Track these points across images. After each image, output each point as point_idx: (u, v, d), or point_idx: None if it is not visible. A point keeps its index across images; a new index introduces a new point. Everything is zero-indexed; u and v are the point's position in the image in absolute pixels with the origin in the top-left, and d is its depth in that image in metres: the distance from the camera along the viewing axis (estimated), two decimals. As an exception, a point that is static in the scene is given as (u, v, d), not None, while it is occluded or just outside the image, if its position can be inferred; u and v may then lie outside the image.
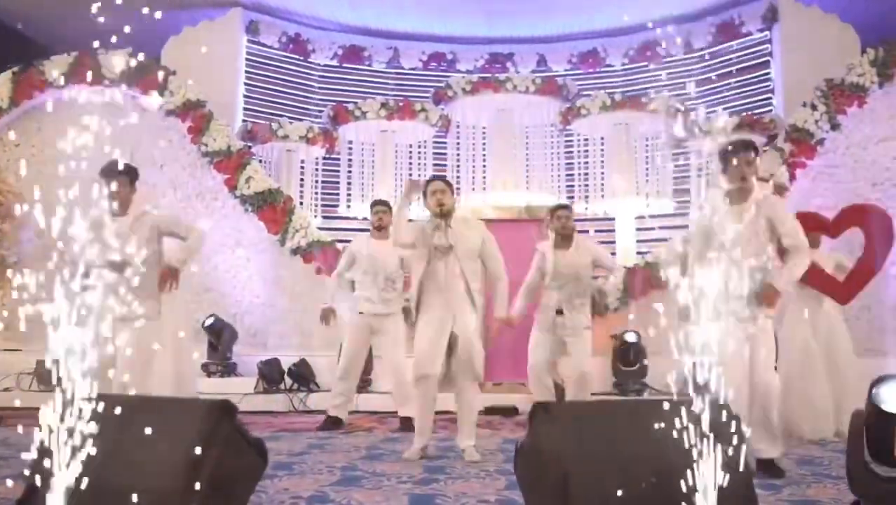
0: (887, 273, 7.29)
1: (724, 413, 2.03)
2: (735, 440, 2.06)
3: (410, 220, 4.46)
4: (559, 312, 5.05)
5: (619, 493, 2.32)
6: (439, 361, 4.15)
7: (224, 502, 2.65)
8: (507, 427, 5.72)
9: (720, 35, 9.01)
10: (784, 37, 8.45)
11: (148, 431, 2.46)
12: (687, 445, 2.00)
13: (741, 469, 2.09)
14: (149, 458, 2.49)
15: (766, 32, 8.77)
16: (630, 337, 6.77)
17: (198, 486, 2.46)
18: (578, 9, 9.33)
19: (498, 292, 4.38)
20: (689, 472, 1.98)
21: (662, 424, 2.17)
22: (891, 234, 4.99)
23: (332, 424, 5.48)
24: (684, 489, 2.00)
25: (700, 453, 1.98)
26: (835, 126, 7.37)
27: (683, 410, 2.03)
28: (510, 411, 6.44)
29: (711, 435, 1.98)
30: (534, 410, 2.75)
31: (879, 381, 2.46)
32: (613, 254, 8.51)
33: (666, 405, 2.33)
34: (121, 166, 4.04)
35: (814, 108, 7.38)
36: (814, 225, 4.96)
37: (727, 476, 1.98)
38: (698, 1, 8.92)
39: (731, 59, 8.94)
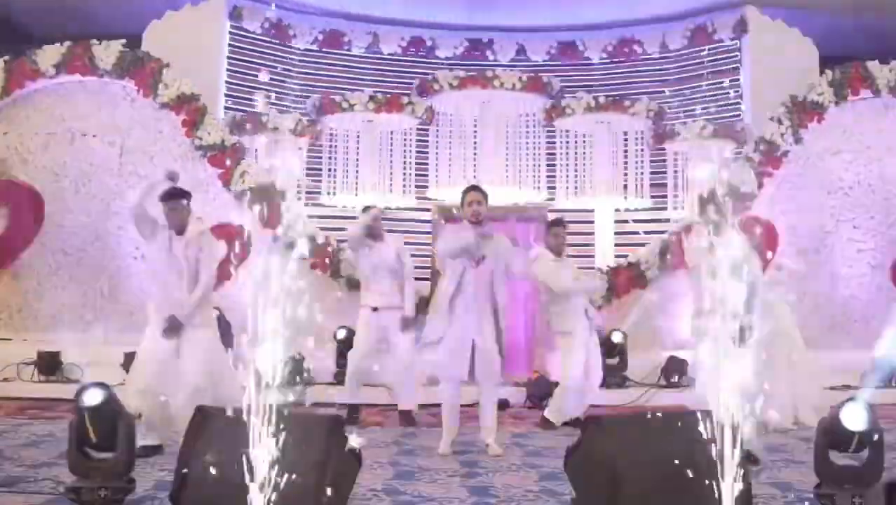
0: (835, 274, 8.07)
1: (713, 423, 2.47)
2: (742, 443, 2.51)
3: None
4: (586, 312, 5.56)
5: (656, 489, 2.85)
6: (465, 367, 4.56)
7: (338, 498, 3.09)
8: (506, 422, 6.04)
9: (694, 39, 9.49)
10: (752, 48, 8.99)
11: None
12: (708, 451, 2.46)
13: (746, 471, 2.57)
14: (288, 460, 2.87)
15: (737, 41, 9.29)
16: (616, 337, 7.32)
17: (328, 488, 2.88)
18: (558, 1, 9.58)
19: None
20: (709, 473, 2.44)
21: (691, 433, 2.64)
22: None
23: (350, 414, 5.66)
24: (706, 489, 2.47)
25: (716, 459, 2.43)
26: (798, 140, 8.03)
27: (706, 421, 2.50)
28: (501, 405, 6.88)
29: (728, 441, 2.44)
30: (586, 423, 3.29)
31: (843, 403, 3.19)
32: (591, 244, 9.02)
33: (694, 417, 2.79)
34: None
35: (780, 122, 8.01)
36: None
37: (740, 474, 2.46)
38: (675, 4, 9.33)
39: (703, 62, 9.44)
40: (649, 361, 7.33)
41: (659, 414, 3.08)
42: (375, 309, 5.71)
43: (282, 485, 2.43)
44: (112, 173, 7.83)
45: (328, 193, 9.31)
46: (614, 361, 7.35)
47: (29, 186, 5.79)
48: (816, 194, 8.06)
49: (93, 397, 3.06)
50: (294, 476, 2.69)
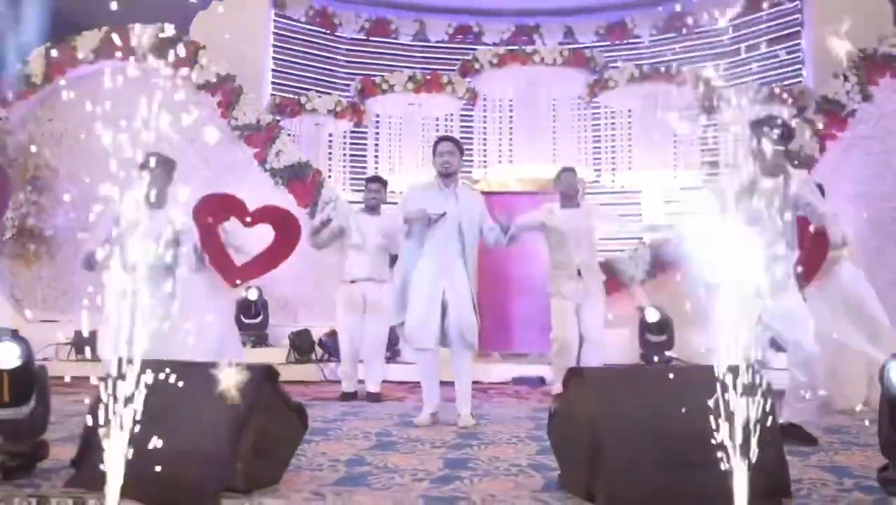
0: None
1: (754, 377, 2.10)
2: (765, 405, 2.13)
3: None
4: (579, 272, 5.18)
5: (649, 455, 2.42)
6: (435, 332, 4.18)
7: (267, 464, 2.78)
8: (534, 397, 5.81)
9: (750, 5, 8.87)
10: (816, 5, 8.28)
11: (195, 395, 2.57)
12: (715, 410, 2.07)
13: (772, 434, 2.16)
14: (197, 421, 2.61)
15: (797, 2, 8.62)
16: (651, 316, 6.78)
17: (243, 447, 2.59)
18: (607, -22, 9.25)
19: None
20: (717, 435, 2.06)
21: (691, 390, 2.26)
22: None
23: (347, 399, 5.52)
24: (713, 452, 2.07)
25: (728, 418, 2.04)
26: (867, 97, 7.26)
27: (710, 376, 2.11)
28: (537, 382, 6.51)
29: (740, 400, 2.05)
30: (568, 375, 2.84)
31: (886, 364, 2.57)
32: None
33: (693, 371, 2.41)
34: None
35: (845, 78, 7.26)
36: None
37: (757, 440, 2.05)
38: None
39: (760, 29, 8.81)
40: (699, 338, 6.73)
41: (658, 368, 2.65)
42: (353, 281, 5.52)
43: (167, 451, 2.16)
44: (153, 157, 7.98)
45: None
46: (660, 337, 6.84)
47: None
48: (890, 158, 7.23)
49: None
50: (188, 440, 2.44)
